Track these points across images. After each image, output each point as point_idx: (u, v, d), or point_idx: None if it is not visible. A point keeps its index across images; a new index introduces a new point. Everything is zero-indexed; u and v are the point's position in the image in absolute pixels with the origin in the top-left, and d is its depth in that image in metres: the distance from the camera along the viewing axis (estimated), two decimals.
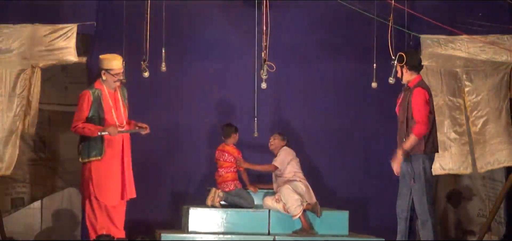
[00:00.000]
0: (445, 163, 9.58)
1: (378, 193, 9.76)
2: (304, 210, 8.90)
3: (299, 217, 8.87)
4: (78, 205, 10.03)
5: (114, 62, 8.08)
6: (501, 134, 9.59)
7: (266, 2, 8.38)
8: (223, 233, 8.83)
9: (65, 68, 9.87)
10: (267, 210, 9.03)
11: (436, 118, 7.73)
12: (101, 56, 8.15)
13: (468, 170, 9.70)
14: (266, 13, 8.37)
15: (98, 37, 9.39)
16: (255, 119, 9.28)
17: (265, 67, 8.38)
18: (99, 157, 7.99)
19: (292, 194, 8.87)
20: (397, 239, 7.62)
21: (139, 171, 8.34)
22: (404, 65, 7.50)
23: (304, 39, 9.90)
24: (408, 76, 7.52)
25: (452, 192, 10.83)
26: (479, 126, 9.62)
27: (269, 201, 9.04)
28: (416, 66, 7.53)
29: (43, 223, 10.28)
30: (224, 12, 9.79)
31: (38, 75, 8.99)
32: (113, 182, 8.05)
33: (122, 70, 8.10)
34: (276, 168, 9.18)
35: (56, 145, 10.30)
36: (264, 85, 8.57)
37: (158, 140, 9.26)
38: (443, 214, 10.80)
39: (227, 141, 9.19)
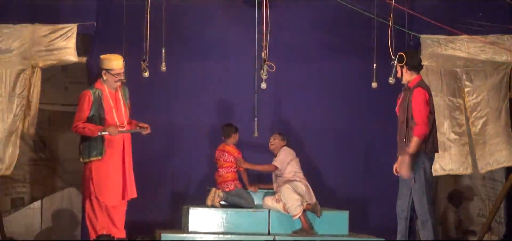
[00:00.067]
0: (445, 163, 9.58)
1: (378, 193, 9.76)
2: (304, 210, 8.90)
3: (299, 217, 8.87)
4: (78, 205, 10.03)
5: (115, 62, 8.08)
6: (500, 135, 9.59)
7: (266, 2, 8.38)
8: (223, 233, 8.83)
9: (65, 68, 9.88)
10: (267, 210, 9.03)
11: (436, 118, 7.72)
12: (101, 56, 8.16)
13: (468, 171, 9.70)
14: (266, 13, 8.37)
15: (98, 37, 9.39)
16: (255, 119, 9.28)
17: (265, 67, 8.38)
18: (100, 157, 7.99)
19: (292, 194, 8.87)
20: (397, 239, 7.62)
21: (139, 171, 8.34)
22: (404, 65, 7.49)
23: (304, 39, 9.90)
24: (408, 76, 7.52)
25: (454, 192, 10.83)
26: (479, 126, 9.63)
27: (269, 201, 9.04)
28: (416, 66, 7.53)
29: (43, 223, 10.29)
30: (224, 12, 9.79)
31: (38, 75, 8.99)
32: (113, 182, 8.05)
33: (122, 70, 8.10)
34: (276, 168, 9.18)
35: (56, 145, 10.30)
36: (264, 85, 8.57)
37: (158, 140, 9.26)
38: (443, 214, 10.81)
39: (227, 141, 9.19)
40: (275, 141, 9.34)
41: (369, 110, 9.92)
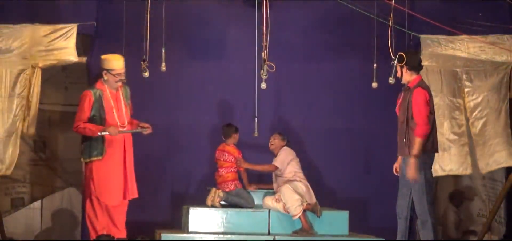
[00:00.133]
0: (445, 164, 9.57)
1: (378, 193, 9.76)
2: (304, 210, 8.89)
3: (299, 217, 8.87)
4: (78, 205, 10.04)
5: (116, 62, 8.08)
6: (500, 135, 9.59)
7: (266, 2, 8.38)
8: (223, 233, 8.83)
9: (65, 68, 9.88)
10: (267, 210, 9.03)
11: (436, 118, 7.72)
12: (102, 56, 8.15)
13: (468, 171, 9.70)
14: (266, 13, 8.37)
15: (98, 37, 9.40)
16: (255, 119, 9.28)
17: (265, 67, 8.38)
18: (100, 157, 7.99)
19: (292, 194, 8.87)
20: (397, 239, 7.62)
21: (139, 171, 8.34)
22: (404, 65, 7.49)
23: (304, 39, 9.90)
24: (408, 76, 7.52)
25: (455, 192, 10.83)
26: (479, 127, 9.62)
27: (269, 201, 9.04)
28: (416, 67, 7.52)
29: (43, 223, 10.29)
30: (224, 12, 9.79)
31: (38, 75, 8.99)
32: (114, 182, 8.05)
33: (123, 70, 8.09)
34: (276, 168, 9.18)
35: (56, 145, 10.30)
36: (264, 85, 8.57)
37: (158, 140, 9.25)
38: (444, 214, 10.80)
39: (228, 141, 9.19)
40: (275, 141, 9.33)
41: (369, 110, 9.92)
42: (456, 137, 9.63)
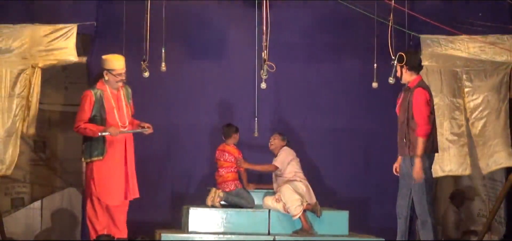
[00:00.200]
0: (444, 164, 9.57)
1: (378, 193, 9.76)
2: (304, 210, 8.89)
3: (299, 217, 8.87)
4: (78, 205, 10.04)
5: (116, 63, 8.07)
6: (499, 135, 9.58)
7: (266, 2, 8.38)
8: (223, 233, 8.83)
9: (65, 68, 9.88)
10: (267, 210, 9.03)
11: (436, 118, 7.73)
12: (103, 57, 8.14)
13: (467, 172, 9.70)
14: (266, 13, 8.37)
15: (98, 37, 9.40)
16: (255, 119, 9.28)
17: (265, 67, 8.38)
18: (101, 157, 7.98)
19: (292, 194, 8.87)
20: (397, 239, 7.62)
21: (139, 171, 8.33)
22: (404, 65, 7.49)
23: (304, 39, 9.91)
24: (407, 77, 7.52)
25: (456, 192, 10.83)
26: (479, 128, 9.62)
27: (269, 201, 9.04)
28: (416, 67, 7.52)
29: (43, 223, 10.29)
30: (224, 12, 9.80)
31: (38, 75, 8.99)
32: (115, 182, 8.04)
33: (124, 70, 8.07)
34: (277, 168, 9.17)
35: (56, 145, 10.30)
36: (263, 85, 8.57)
37: (158, 140, 9.26)
38: (445, 214, 10.80)
39: (228, 141, 9.19)
40: (275, 141, 9.33)
41: (369, 110, 9.92)
42: (455, 138, 9.63)
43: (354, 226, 9.12)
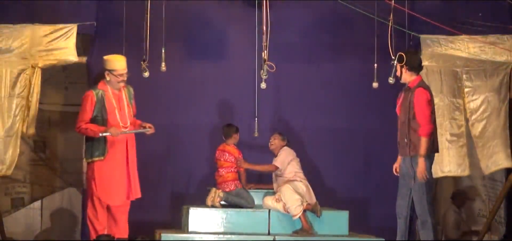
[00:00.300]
0: (443, 165, 9.57)
1: (378, 193, 9.76)
2: (304, 210, 8.89)
3: (299, 217, 8.87)
4: (78, 205, 10.04)
5: (118, 63, 8.07)
6: (499, 136, 9.58)
7: (266, 2, 8.38)
8: (223, 233, 8.83)
9: (65, 68, 9.87)
10: (267, 210, 9.03)
11: (436, 119, 7.73)
12: (105, 57, 8.13)
13: (466, 172, 9.70)
14: (266, 13, 8.37)
15: (98, 37, 9.40)
16: (255, 119, 9.28)
17: (265, 67, 8.38)
18: (102, 157, 7.98)
19: (292, 194, 8.87)
20: (397, 239, 7.62)
21: (139, 171, 8.33)
22: (404, 65, 7.49)
23: (304, 39, 9.91)
24: (407, 77, 7.52)
25: (457, 192, 10.83)
26: (479, 129, 9.61)
27: (269, 201, 9.04)
28: (415, 67, 7.52)
29: (43, 223, 10.29)
30: (224, 12, 9.80)
31: (38, 75, 8.99)
32: (116, 183, 8.04)
33: (125, 71, 8.07)
34: (277, 168, 9.17)
35: (56, 145, 10.30)
36: (263, 85, 8.57)
37: (158, 140, 9.24)
38: (445, 214, 10.80)
39: (228, 141, 9.19)
40: (275, 141, 9.33)
41: (369, 110, 9.92)
42: (454, 138, 9.62)
43: (354, 226, 9.12)
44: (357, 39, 9.71)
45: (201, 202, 9.16)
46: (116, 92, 8.10)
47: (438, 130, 7.74)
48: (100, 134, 7.90)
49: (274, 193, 9.13)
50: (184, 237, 8.80)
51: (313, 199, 9.03)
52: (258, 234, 8.87)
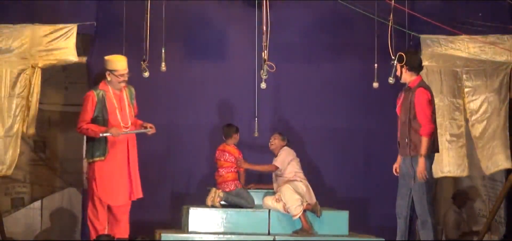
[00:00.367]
0: (443, 166, 9.57)
1: (378, 193, 9.76)
2: (304, 210, 8.89)
3: (299, 217, 8.87)
4: (78, 205, 10.04)
5: (119, 63, 8.07)
6: (498, 137, 9.57)
7: (266, 2, 8.38)
8: (223, 233, 8.83)
9: (65, 68, 9.87)
10: (267, 210, 9.02)
11: (436, 119, 7.73)
12: (105, 57, 8.14)
13: (465, 173, 9.70)
14: (266, 13, 8.37)
15: (98, 37, 9.40)
16: (255, 119, 9.28)
17: (265, 67, 8.38)
18: (103, 158, 7.99)
19: (292, 194, 8.86)
20: (397, 239, 7.62)
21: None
22: (404, 65, 7.49)
23: (304, 39, 9.91)
24: (407, 77, 7.52)
25: (458, 192, 10.83)
26: (480, 130, 9.60)
27: (269, 201, 9.04)
28: (415, 67, 7.52)
29: (43, 223, 10.29)
30: (224, 12, 9.80)
31: (38, 75, 8.99)
32: (117, 183, 8.04)
33: (126, 71, 8.08)
34: (277, 168, 9.17)
35: (56, 145, 10.30)
36: (263, 85, 8.57)
37: (158, 140, 9.24)
38: (446, 214, 10.80)
39: (228, 141, 9.18)
40: (275, 141, 9.33)
41: (369, 110, 9.92)
42: (454, 139, 9.62)
43: (354, 226, 9.12)
44: (357, 39, 9.71)
45: (201, 202, 9.16)
46: (117, 92, 8.10)
47: (438, 131, 7.74)
48: (101, 135, 7.90)
49: (274, 193, 9.13)
50: (184, 237, 8.80)
51: (313, 199, 9.03)
52: (258, 234, 8.87)
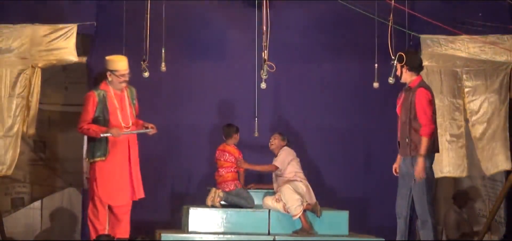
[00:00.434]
0: (442, 166, 9.57)
1: (378, 193, 9.76)
2: (304, 210, 8.89)
3: (299, 217, 8.87)
4: (78, 205, 10.05)
5: (120, 64, 8.06)
6: (498, 138, 9.58)
7: (266, 2, 8.38)
8: (223, 233, 8.82)
9: (65, 68, 9.89)
10: (267, 210, 9.02)
11: (436, 119, 7.73)
12: (106, 58, 8.13)
13: (464, 174, 9.70)
14: (266, 13, 8.37)
15: (98, 37, 9.40)
16: (255, 119, 9.28)
17: (265, 67, 8.38)
18: (104, 158, 7.98)
19: (292, 194, 8.86)
20: (397, 239, 7.62)
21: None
22: (404, 65, 7.49)
23: (305, 39, 9.90)
24: (407, 77, 7.52)
25: (458, 192, 10.82)
26: (480, 130, 9.60)
27: (269, 201, 9.04)
28: (416, 67, 7.52)
29: (43, 223, 10.30)
30: (224, 12, 9.80)
31: (38, 75, 9.00)
32: (118, 183, 8.03)
33: (127, 71, 8.07)
34: (277, 168, 9.17)
35: (56, 145, 10.31)
36: (263, 85, 8.57)
37: (158, 140, 9.23)
38: (446, 214, 10.79)
39: (228, 141, 9.18)
40: (275, 141, 9.33)
41: (369, 110, 9.92)
42: (454, 139, 9.62)
43: (354, 226, 9.11)
44: (357, 39, 9.71)
45: (201, 202, 9.16)
46: (118, 93, 8.10)
47: (438, 131, 7.75)
48: (102, 135, 7.90)
49: (274, 193, 9.13)
50: (184, 237, 8.80)
51: (313, 199, 9.03)
52: (258, 234, 8.87)
